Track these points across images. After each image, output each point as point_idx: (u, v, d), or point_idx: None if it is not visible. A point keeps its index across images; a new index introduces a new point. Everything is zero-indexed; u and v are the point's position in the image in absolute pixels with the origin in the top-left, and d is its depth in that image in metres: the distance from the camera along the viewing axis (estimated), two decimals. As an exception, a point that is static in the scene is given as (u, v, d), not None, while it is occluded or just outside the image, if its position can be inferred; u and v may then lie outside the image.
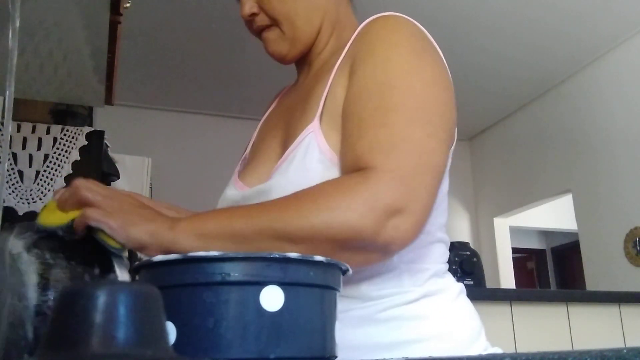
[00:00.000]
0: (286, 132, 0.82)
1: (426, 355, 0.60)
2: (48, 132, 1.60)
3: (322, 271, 0.47)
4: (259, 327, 0.42)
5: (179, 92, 4.93)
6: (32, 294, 0.52)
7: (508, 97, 5.07)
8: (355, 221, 0.60)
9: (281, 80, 1.24)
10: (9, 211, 1.49)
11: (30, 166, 1.55)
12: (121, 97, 2.29)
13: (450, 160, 0.77)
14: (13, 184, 1.52)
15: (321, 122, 0.75)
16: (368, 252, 0.63)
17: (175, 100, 5.06)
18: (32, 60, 1.35)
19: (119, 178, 1.86)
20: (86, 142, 1.63)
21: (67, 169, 1.58)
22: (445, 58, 0.78)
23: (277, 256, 0.44)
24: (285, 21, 0.83)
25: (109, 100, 1.60)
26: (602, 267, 4.16)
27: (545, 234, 7.41)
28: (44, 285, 0.53)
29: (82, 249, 0.59)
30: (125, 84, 4.28)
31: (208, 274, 0.43)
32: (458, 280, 0.82)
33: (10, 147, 1.51)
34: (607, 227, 4.12)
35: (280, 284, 0.44)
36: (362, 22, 0.81)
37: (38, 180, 1.55)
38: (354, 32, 0.81)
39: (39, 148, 1.57)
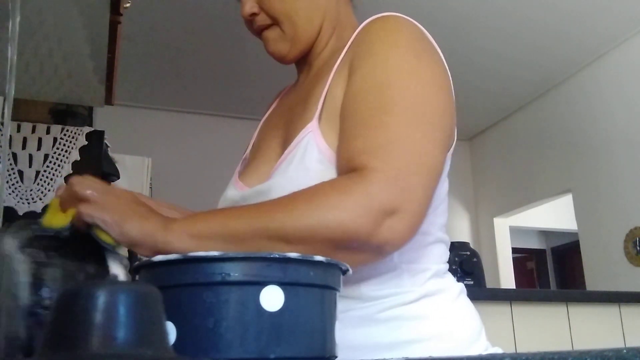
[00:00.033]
0: (286, 132, 0.82)
1: (426, 355, 0.60)
2: (48, 132, 1.59)
3: (322, 271, 0.47)
4: (259, 327, 0.42)
5: (179, 92, 4.93)
6: (24, 294, 0.52)
7: (508, 97, 5.07)
8: (350, 222, 0.59)
9: (281, 80, 1.24)
10: (9, 211, 1.48)
11: (30, 166, 1.55)
12: (121, 97, 2.29)
13: (450, 161, 0.77)
14: (13, 184, 1.52)
15: (320, 122, 0.75)
16: (363, 253, 0.63)
17: (175, 100, 5.06)
18: (32, 60, 1.35)
19: (119, 178, 1.86)
20: (86, 142, 1.63)
21: (67, 169, 1.58)
22: (445, 58, 0.78)
23: (277, 256, 0.44)
24: (285, 20, 0.83)
25: (109, 100, 1.60)
26: (602, 267, 4.15)
27: (545, 234, 7.41)
28: (37, 284, 0.53)
29: (77, 247, 0.59)
30: (125, 84, 4.29)
31: (208, 274, 0.43)
32: (458, 280, 0.82)
33: (10, 147, 1.51)
34: (607, 227, 4.12)
35: (280, 284, 0.44)
36: (362, 22, 0.80)
37: (38, 180, 1.55)
38: (354, 32, 0.80)
39: (39, 148, 1.57)
